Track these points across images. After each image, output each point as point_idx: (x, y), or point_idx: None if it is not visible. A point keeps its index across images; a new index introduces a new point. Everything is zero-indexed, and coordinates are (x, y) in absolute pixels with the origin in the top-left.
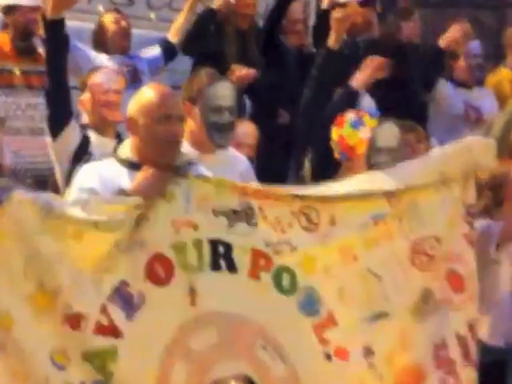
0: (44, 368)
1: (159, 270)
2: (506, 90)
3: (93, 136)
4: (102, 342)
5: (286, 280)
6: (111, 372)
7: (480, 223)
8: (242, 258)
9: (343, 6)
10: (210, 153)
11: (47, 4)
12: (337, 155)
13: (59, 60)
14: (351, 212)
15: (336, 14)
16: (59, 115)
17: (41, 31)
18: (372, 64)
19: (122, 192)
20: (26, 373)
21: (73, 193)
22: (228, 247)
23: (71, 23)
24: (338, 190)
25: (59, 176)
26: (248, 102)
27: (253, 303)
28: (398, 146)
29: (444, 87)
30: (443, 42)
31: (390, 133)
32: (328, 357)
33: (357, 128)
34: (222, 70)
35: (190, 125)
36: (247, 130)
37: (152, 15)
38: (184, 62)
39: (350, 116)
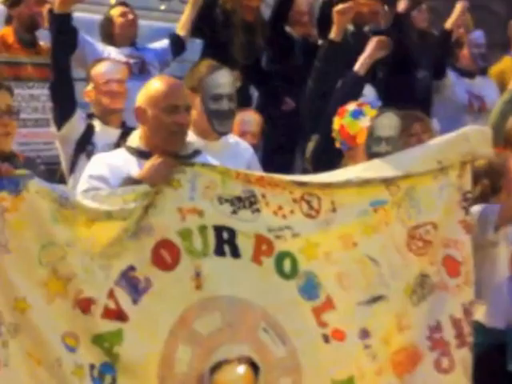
0: (56, 350)
1: (165, 256)
2: (509, 79)
3: (97, 125)
4: (109, 326)
5: (287, 265)
6: (118, 354)
7: (478, 207)
8: (245, 244)
9: None
10: (213, 140)
11: None
12: (338, 144)
13: (64, 53)
14: (352, 199)
15: (337, 7)
16: (64, 107)
17: (46, 24)
18: (372, 43)
19: (130, 179)
20: (39, 354)
21: (83, 181)
22: (232, 233)
23: (82, 15)
24: (338, 178)
25: (64, 165)
26: (255, 93)
27: (255, 287)
28: (397, 136)
29: (448, 76)
30: (448, 23)
31: (389, 122)
32: (326, 338)
33: (357, 118)
34: (229, 61)
35: (193, 114)
36: (251, 118)
37: (162, 6)
38: (193, 53)
39: (350, 106)
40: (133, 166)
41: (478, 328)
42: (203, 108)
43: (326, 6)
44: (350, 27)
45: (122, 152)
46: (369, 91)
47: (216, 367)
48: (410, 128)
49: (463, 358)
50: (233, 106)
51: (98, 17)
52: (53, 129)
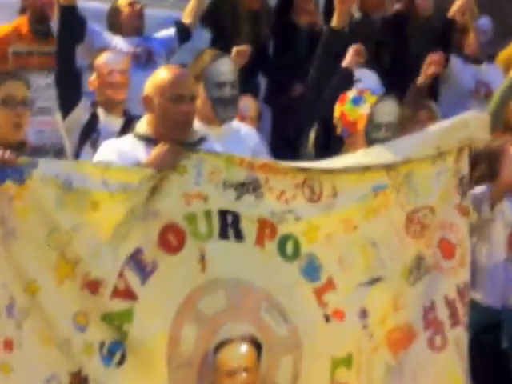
0: (66, 330)
1: (171, 239)
2: None
3: (101, 113)
4: (119, 305)
5: (289, 247)
6: (127, 332)
7: (475, 190)
8: (248, 228)
9: None
10: (217, 126)
11: None
12: (339, 131)
13: (69, 43)
14: (352, 184)
15: None
16: (68, 96)
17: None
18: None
19: (138, 165)
20: (50, 334)
21: None
22: (236, 217)
23: (91, 4)
24: (339, 164)
25: (69, 153)
26: (262, 82)
27: (258, 269)
28: (397, 122)
29: (454, 63)
30: (451, 11)
31: (388, 109)
32: (327, 318)
33: (357, 104)
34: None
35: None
36: (247, 103)
37: None
38: (201, 41)
39: (351, 93)
40: (140, 152)
41: (474, 307)
42: (206, 95)
43: None
44: (357, 15)
45: (130, 138)
46: (372, 78)
47: (220, 346)
48: (415, 115)
49: (457, 336)
50: (235, 93)
51: (107, 6)
52: (57, 116)
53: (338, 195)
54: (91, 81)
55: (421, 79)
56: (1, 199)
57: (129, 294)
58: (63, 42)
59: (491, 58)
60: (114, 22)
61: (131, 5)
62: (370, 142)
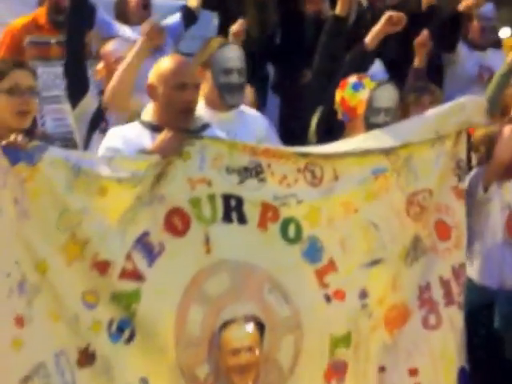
0: (74, 307)
1: (177, 222)
2: None
3: None
4: (127, 285)
5: (291, 230)
6: (135, 311)
7: (472, 172)
8: (251, 211)
9: None
10: (224, 112)
11: None
12: (340, 116)
13: (78, 32)
14: (353, 168)
15: None
16: (77, 86)
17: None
18: (385, 18)
19: (143, 151)
20: (59, 311)
21: (100, 152)
22: (239, 201)
23: None
24: (340, 148)
25: (79, 142)
26: (271, 69)
27: (261, 251)
28: (400, 106)
29: (460, 49)
30: (461, 6)
31: (386, 94)
32: (327, 298)
33: (357, 90)
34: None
35: (204, 88)
36: (246, 89)
37: None
38: (208, 30)
39: (351, 78)
40: (146, 139)
41: (470, 286)
42: (214, 82)
43: None
44: (364, 2)
45: (136, 125)
46: (376, 65)
47: (224, 326)
48: (420, 100)
49: (451, 315)
50: (242, 79)
51: None
52: (68, 105)
53: (338, 179)
54: (99, 69)
55: (416, 61)
56: (14, 181)
57: (136, 275)
58: (73, 30)
59: (498, 43)
60: (122, 11)
61: None
62: (370, 126)
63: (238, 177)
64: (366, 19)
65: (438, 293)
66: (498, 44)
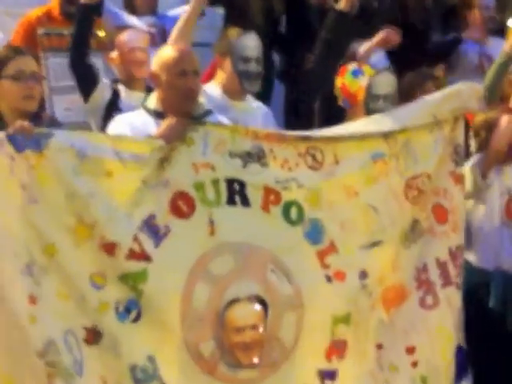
0: (82, 288)
1: (182, 205)
2: None
3: (123, 90)
4: (135, 266)
5: (293, 212)
6: (142, 291)
7: (473, 158)
8: (254, 194)
9: None
10: (239, 100)
11: None
12: (340, 102)
13: (87, 22)
14: (353, 152)
15: None
16: (86, 79)
17: None
18: (381, 34)
19: (149, 137)
20: (67, 291)
21: None
22: (242, 185)
23: None
24: (340, 132)
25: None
26: (277, 59)
27: (264, 233)
28: (394, 93)
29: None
30: None
31: (385, 81)
32: (328, 279)
33: (357, 76)
34: (249, 27)
35: (221, 76)
36: None
37: None
38: (214, 19)
39: (351, 65)
40: (150, 126)
41: (467, 267)
42: (233, 69)
43: None
44: None
45: (141, 112)
46: (376, 52)
47: (229, 304)
48: (423, 85)
49: (448, 295)
50: (260, 68)
51: None
52: None
53: (339, 163)
54: (113, 58)
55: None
56: (22, 167)
57: (143, 256)
58: (81, 20)
59: (501, 31)
60: (129, 1)
61: None
62: (370, 112)
63: (240, 161)
64: (372, 8)
65: (434, 274)
66: (501, 31)
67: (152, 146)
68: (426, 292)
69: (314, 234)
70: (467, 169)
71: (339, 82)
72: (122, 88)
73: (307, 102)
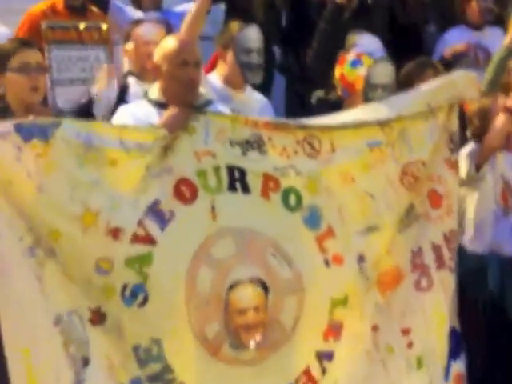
0: (88, 273)
1: (185, 191)
2: None
3: (133, 82)
4: (140, 249)
5: (292, 199)
6: (147, 274)
7: (469, 147)
8: (254, 181)
9: None
10: (240, 92)
11: None
12: (339, 92)
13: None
14: (349, 140)
15: None
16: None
17: None
18: None
19: (152, 127)
20: (70, 275)
21: None
22: (242, 172)
23: None
24: (337, 120)
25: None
26: (277, 51)
27: (264, 219)
28: (392, 83)
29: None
30: None
31: (383, 70)
32: (327, 262)
33: (355, 66)
34: (250, 21)
35: (223, 67)
36: None
37: None
38: (216, 14)
39: (350, 55)
40: (153, 116)
41: (462, 253)
42: (236, 61)
43: None
44: None
45: (143, 103)
46: (373, 42)
47: (231, 287)
48: (423, 74)
49: (442, 278)
50: (261, 59)
51: None
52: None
53: (336, 150)
54: (128, 50)
55: None
56: (29, 156)
57: (149, 240)
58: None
59: (500, 21)
60: None
61: None
62: (367, 101)
63: (240, 149)
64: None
65: (429, 257)
66: (500, 21)
67: (155, 135)
68: (420, 275)
69: (313, 219)
70: (462, 156)
71: (338, 72)
72: (132, 81)
73: (306, 96)
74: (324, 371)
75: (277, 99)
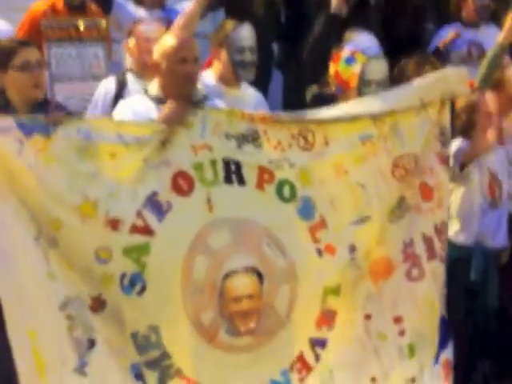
0: (88, 262)
1: (182, 184)
2: None
3: (132, 79)
4: (138, 239)
5: (286, 190)
6: (145, 263)
7: (457, 141)
8: (249, 173)
9: None
10: (234, 88)
11: None
12: (333, 89)
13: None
14: (342, 133)
15: None
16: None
17: None
18: None
19: (151, 121)
20: (73, 263)
21: None
22: (238, 165)
23: None
24: (330, 114)
25: None
26: (276, 49)
27: (259, 210)
28: (386, 79)
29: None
30: None
31: (377, 67)
32: (319, 252)
33: (350, 64)
34: (250, 17)
35: (218, 65)
36: None
37: None
38: (215, 12)
39: (344, 53)
40: (152, 111)
41: (449, 244)
42: (229, 59)
43: None
44: None
45: (143, 98)
46: (368, 39)
47: (227, 275)
48: (421, 70)
49: (433, 268)
50: (255, 57)
51: None
52: (96, 81)
53: (329, 143)
54: (130, 47)
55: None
56: (30, 150)
57: (147, 230)
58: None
59: (496, 19)
60: None
61: None
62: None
63: (236, 142)
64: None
65: (420, 248)
66: (495, 19)
67: (153, 129)
68: (412, 265)
69: (306, 210)
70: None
71: (333, 69)
72: (130, 78)
73: (303, 92)
74: (317, 358)
75: (274, 96)
